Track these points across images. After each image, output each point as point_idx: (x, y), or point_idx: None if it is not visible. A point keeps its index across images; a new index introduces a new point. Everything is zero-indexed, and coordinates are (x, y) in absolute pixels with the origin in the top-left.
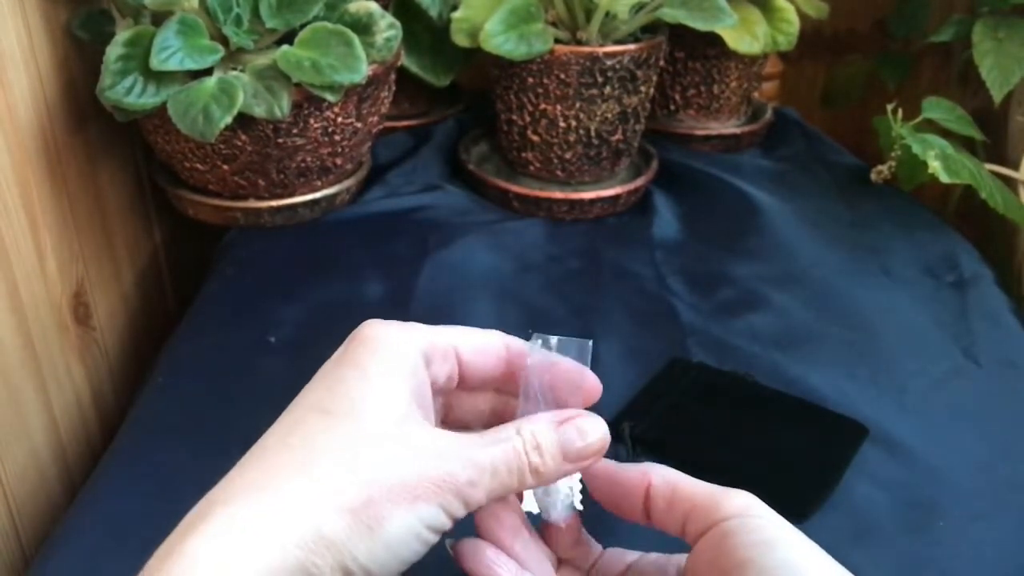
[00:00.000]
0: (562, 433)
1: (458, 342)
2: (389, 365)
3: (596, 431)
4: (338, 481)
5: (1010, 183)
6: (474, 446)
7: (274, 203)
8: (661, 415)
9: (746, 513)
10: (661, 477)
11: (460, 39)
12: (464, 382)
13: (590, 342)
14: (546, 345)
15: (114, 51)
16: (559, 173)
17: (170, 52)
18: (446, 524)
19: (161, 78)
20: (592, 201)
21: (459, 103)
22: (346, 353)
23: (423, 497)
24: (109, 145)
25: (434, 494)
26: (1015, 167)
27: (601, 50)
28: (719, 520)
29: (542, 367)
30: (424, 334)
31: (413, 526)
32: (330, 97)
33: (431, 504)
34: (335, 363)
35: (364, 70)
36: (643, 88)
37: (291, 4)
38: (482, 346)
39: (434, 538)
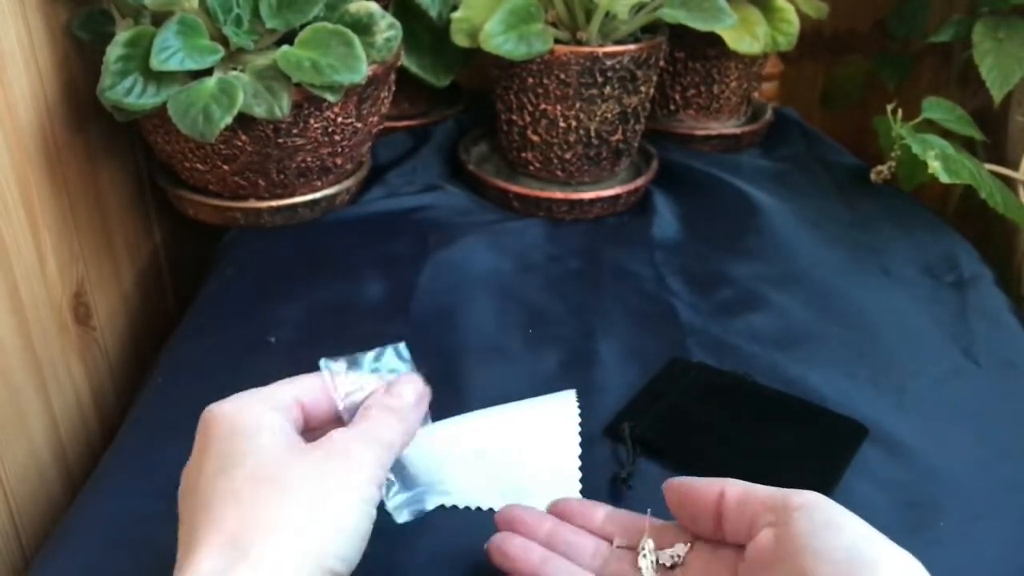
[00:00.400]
0: (391, 391)
1: (296, 392)
2: (257, 423)
3: (405, 377)
4: (286, 510)
5: (1010, 183)
6: (350, 428)
7: (274, 203)
8: (661, 415)
9: (811, 505)
10: (733, 484)
11: (460, 39)
12: (311, 422)
13: (402, 344)
14: (363, 362)
15: (114, 51)
16: (559, 173)
17: (170, 52)
18: (376, 493)
19: (161, 78)
20: (592, 201)
21: (459, 103)
22: (210, 436)
23: (352, 473)
24: (109, 145)
25: (357, 471)
26: (1015, 167)
27: (601, 50)
28: (784, 516)
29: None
30: (265, 394)
31: (358, 506)
32: (330, 97)
33: (361, 481)
34: (210, 448)
35: (364, 70)
36: (643, 88)
37: (291, 4)
38: (316, 389)
39: (373, 511)
